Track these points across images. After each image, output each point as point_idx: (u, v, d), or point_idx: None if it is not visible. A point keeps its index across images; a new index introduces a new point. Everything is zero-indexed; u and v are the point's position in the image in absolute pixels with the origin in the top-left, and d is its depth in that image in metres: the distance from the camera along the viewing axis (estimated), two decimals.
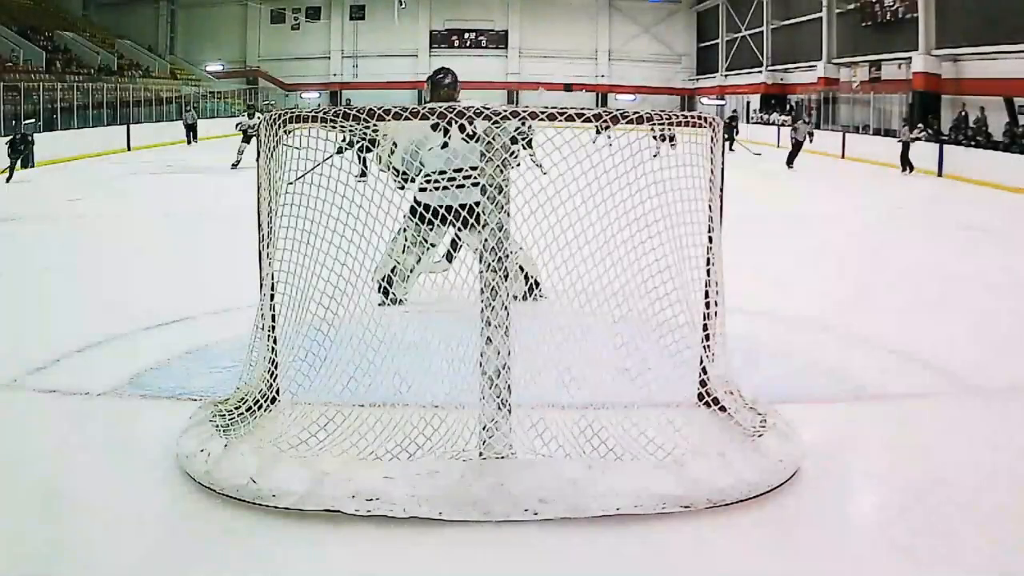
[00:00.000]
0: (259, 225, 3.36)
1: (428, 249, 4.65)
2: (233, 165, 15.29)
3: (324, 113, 3.02)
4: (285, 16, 36.51)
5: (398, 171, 4.55)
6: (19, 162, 12.86)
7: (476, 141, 4.39)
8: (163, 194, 11.21)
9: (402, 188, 4.39)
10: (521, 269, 4.65)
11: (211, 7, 36.08)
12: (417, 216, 4.42)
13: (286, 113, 3.15)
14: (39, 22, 27.10)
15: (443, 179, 4.31)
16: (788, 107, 29.29)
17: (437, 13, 36.76)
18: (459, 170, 4.29)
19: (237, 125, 16.34)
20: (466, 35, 37.33)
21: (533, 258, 3.88)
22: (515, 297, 4.29)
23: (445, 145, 4.55)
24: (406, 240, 4.64)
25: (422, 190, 4.55)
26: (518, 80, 36.41)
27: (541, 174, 3.22)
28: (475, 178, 4.47)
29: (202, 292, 5.38)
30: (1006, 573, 2.43)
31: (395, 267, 4.66)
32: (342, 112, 2.92)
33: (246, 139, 15.62)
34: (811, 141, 18.34)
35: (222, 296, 5.15)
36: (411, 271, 4.66)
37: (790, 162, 17.79)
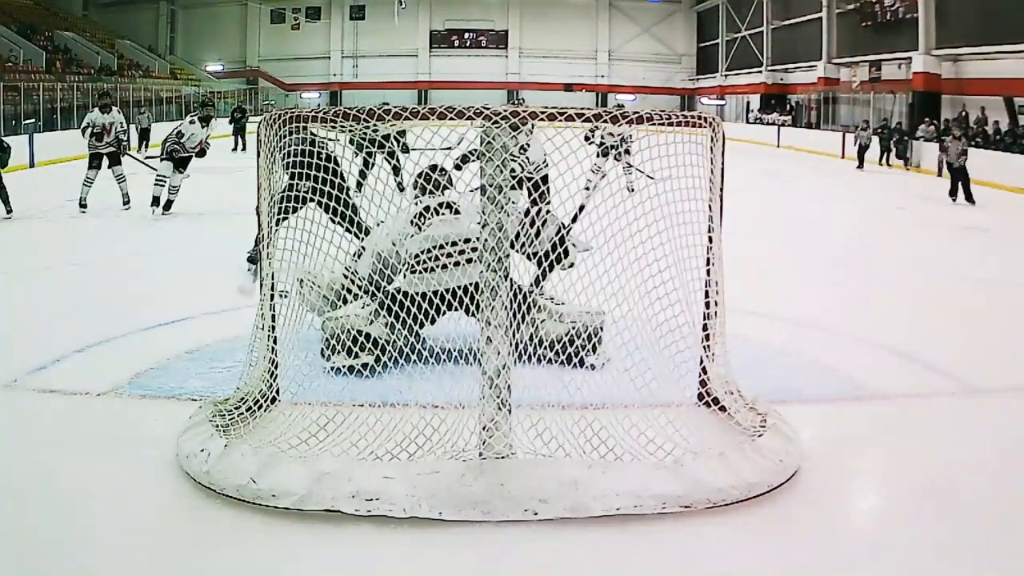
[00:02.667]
0: (259, 225, 3.36)
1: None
2: (81, 204, 9.51)
3: (324, 113, 3.02)
4: (285, 16, 36.51)
5: (358, 277, 4.04)
6: None
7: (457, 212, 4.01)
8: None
9: (346, 301, 3.99)
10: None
11: (211, 7, 36.08)
12: (395, 314, 3.65)
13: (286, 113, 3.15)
14: (39, 22, 27.10)
15: (433, 257, 3.86)
16: (788, 107, 29.28)
17: (437, 13, 36.76)
18: (451, 244, 3.88)
19: (84, 129, 9.75)
20: (466, 35, 37.33)
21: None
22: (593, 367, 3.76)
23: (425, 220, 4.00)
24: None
25: (404, 277, 3.95)
26: (518, 80, 36.40)
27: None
28: (470, 254, 3.84)
29: (202, 292, 5.38)
30: (1006, 573, 2.43)
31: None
32: (342, 112, 2.92)
33: (95, 159, 9.63)
34: (962, 163, 12.32)
35: (222, 296, 5.16)
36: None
37: (957, 193, 12.29)
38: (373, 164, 7.39)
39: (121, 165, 9.84)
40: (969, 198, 12.17)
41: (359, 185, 6.53)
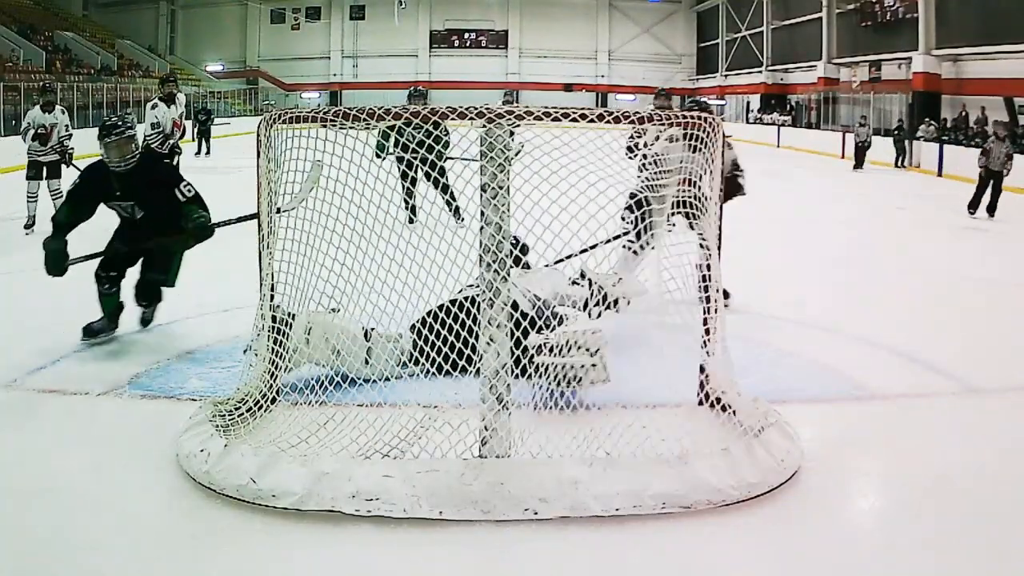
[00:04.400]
0: (259, 225, 3.36)
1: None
2: (28, 224, 8.07)
3: (324, 113, 3.02)
4: (285, 16, 36.56)
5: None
6: None
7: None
8: None
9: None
10: None
11: (211, 7, 36.13)
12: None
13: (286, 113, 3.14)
14: (39, 22, 27.14)
15: None
16: (788, 107, 29.28)
17: (437, 13, 36.80)
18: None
19: (26, 131, 8.12)
20: (466, 35, 37.37)
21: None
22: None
23: None
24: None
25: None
26: (518, 80, 36.41)
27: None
28: None
29: (201, 292, 5.37)
30: (1006, 573, 2.43)
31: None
32: (342, 112, 2.92)
33: (33, 167, 8.04)
34: (1008, 171, 10.58)
35: (222, 296, 5.15)
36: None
37: (978, 205, 10.67)
38: (415, 177, 6.82)
39: (60, 179, 7.98)
40: (991, 211, 10.58)
41: (411, 196, 6.15)
